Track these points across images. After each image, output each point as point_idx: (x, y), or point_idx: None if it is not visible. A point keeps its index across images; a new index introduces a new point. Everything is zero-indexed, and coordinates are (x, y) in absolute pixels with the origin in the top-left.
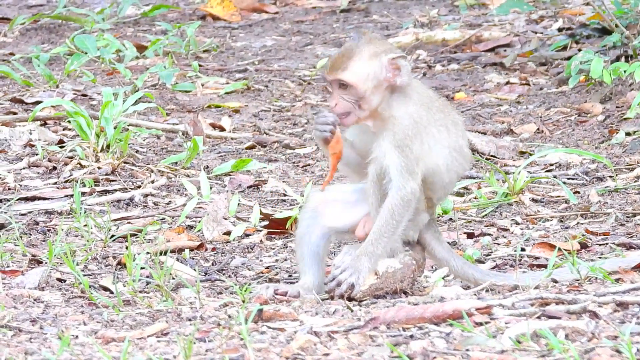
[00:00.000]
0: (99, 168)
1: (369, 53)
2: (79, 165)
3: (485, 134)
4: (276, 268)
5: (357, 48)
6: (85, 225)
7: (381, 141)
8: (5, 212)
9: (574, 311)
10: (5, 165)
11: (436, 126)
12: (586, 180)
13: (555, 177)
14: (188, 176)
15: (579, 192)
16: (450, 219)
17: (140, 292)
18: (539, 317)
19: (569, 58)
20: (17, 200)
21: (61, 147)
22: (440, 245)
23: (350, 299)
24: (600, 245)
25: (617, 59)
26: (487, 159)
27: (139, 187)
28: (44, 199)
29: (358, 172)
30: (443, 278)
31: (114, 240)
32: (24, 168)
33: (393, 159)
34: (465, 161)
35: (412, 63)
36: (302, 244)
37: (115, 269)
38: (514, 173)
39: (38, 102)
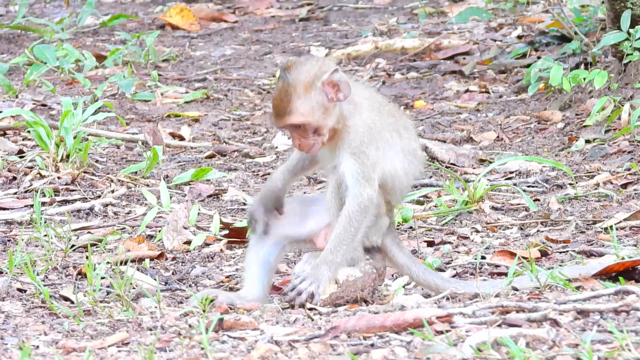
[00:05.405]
0: (58, 178)
1: (303, 86)
2: (38, 175)
3: (444, 142)
4: (236, 277)
5: (290, 87)
6: (45, 235)
7: (338, 150)
8: None
9: (534, 319)
10: None
11: (389, 131)
12: (546, 187)
13: (515, 184)
14: (148, 185)
15: (539, 200)
16: (411, 228)
17: (101, 302)
18: (499, 325)
19: (528, 66)
20: None
21: (21, 157)
22: (400, 251)
23: (310, 309)
24: (560, 252)
25: (577, 66)
26: (447, 167)
27: (99, 196)
28: (4, 209)
29: (305, 175)
30: (403, 287)
31: (74, 250)
32: None
33: (349, 166)
34: (419, 164)
35: (368, 73)
36: (252, 251)
37: (76, 279)
38: (474, 181)
39: None
